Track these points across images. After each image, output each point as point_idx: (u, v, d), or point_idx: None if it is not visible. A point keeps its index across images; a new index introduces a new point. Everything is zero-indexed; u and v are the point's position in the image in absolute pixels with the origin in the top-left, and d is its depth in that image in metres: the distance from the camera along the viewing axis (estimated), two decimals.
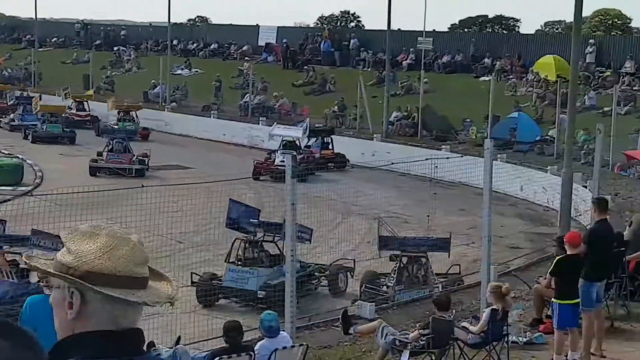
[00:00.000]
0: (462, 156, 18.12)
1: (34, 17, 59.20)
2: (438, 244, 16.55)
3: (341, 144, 33.02)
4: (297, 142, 30.72)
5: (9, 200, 21.93)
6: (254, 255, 16.40)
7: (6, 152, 30.68)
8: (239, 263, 16.22)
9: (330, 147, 32.42)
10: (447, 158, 18.14)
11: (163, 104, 44.98)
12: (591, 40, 40.93)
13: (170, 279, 2.47)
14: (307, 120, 33.76)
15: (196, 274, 16.05)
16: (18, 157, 28.41)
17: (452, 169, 18.35)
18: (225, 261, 16.35)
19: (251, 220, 16.26)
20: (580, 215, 21.28)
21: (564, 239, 11.64)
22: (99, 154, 28.76)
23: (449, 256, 16.62)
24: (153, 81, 48.21)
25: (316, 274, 17.10)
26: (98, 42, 62.52)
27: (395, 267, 16.22)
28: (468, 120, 35.37)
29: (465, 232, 20.97)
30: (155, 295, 2.39)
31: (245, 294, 15.63)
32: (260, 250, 16.44)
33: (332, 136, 32.93)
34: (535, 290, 13.49)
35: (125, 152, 29.06)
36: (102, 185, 24.13)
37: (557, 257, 11.64)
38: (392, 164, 17.67)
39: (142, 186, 10.32)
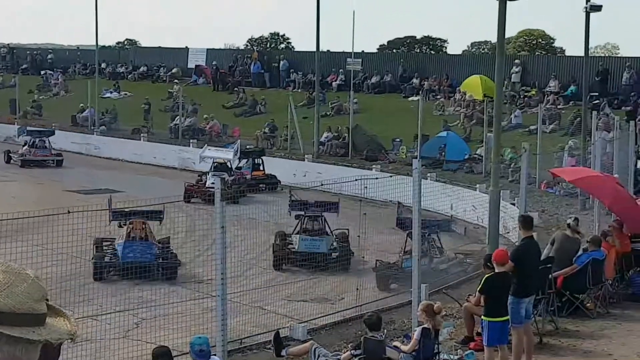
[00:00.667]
0: (391, 176, 18.29)
1: None
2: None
3: (273, 165, 33.04)
4: (228, 164, 30.67)
5: None
6: (313, 227, 21.03)
7: None
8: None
9: (261, 168, 32.44)
10: (377, 178, 18.33)
11: (92, 127, 44.50)
12: (516, 61, 41.83)
13: (67, 314, 2.35)
14: (238, 141, 33.74)
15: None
16: None
17: (382, 188, 18.51)
18: (293, 233, 21.04)
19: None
20: (509, 232, 21.64)
21: (492, 257, 11.84)
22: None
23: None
24: (82, 105, 47.66)
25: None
26: (25, 66, 61.67)
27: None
28: (398, 139, 35.76)
29: (397, 250, 21.12)
30: (56, 332, 2.27)
31: (318, 257, 19.74)
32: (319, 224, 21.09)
33: (263, 157, 32.96)
34: (465, 308, 13.66)
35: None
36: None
37: (486, 275, 11.83)
38: (323, 184, 17.75)
39: (69, 212, 10.18)
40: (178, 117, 42.81)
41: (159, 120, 44.65)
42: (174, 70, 53.67)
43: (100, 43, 49.75)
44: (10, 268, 2.23)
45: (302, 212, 21.79)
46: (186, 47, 56.84)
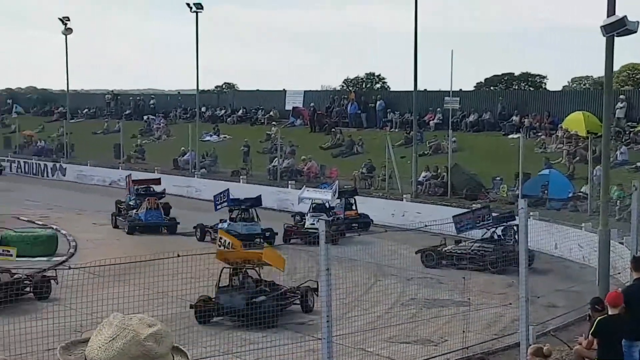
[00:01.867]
0: None
1: (65, 89, 60.05)
2: None
3: (370, 205, 32.96)
4: (327, 205, 30.69)
5: (45, 270, 22.00)
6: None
7: (40, 222, 30.89)
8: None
9: (354, 207, 32.31)
10: None
11: (193, 170, 45.26)
12: (621, 96, 40.79)
13: None
14: (336, 182, 33.77)
15: None
16: (52, 228, 28.58)
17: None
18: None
19: None
20: (619, 273, 20.96)
21: (605, 299, 11.46)
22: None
23: None
24: (182, 148, 48.62)
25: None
26: (128, 111, 63.31)
27: None
28: (498, 178, 35.24)
29: (502, 291, 20.74)
30: None
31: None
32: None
33: (356, 197, 32.86)
34: (576, 352, 13.23)
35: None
36: (138, 248, 24.25)
37: (598, 318, 11.43)
38: (426, 226, 17.58)
39: (178, 255, 10.30)
40: (276, 158, 43.20)
41: (257, 161, 45.14)
42: (271, 113, 54.28)
43: (200, 87, 50.73)
44: (122, 322, 2.25)
45: None
46: (283, 89, 57.47)
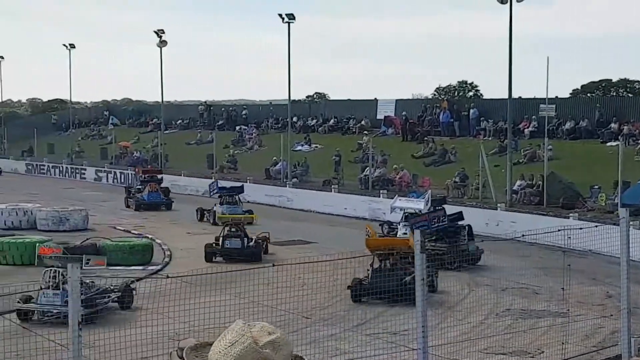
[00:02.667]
0: (596, 226, 17.48)
1: (159, 101, 61.22)
2: None
3: (464, 214, 32.50)
4: (419, 214, 30.37)
5: (141, 279, 22.34)
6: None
7: (136, 232, 31.43)
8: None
9: None
10: (581, 228, 17.55)
11: (284, 180, 45.52)
12: None
13: None
14: (429, 191, 33.45)
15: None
16: (147, 237, 29.03)
17: (583, 238, 17.70)
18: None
19: None
20: None
21: None
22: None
23: None
24: (274, 158, 48.97)
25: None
26: (221, 122, 64.15)
27: None
28: (596, 186, 34.39)
29: (601, 302, 20.18)
30: None
31: None
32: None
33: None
34: None
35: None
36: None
37: None
38: (523, 236, 17.18)
39: (273, 265, 10.29)
40: (368, 167, 43.11)
41: (349, 171, 45.13)
42: (363, 122, 54.25)
43: (292, 97, 51.03)
44: (243, 329, 2.31)
45: None
46: (375, 98, 57.41)
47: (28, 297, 18.08)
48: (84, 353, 9.23)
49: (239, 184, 38.74)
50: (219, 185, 37.55)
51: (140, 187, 41.37)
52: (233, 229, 26.44)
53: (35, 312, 17.87)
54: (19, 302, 17.76)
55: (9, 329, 15.50)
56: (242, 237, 26.14)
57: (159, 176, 42.96)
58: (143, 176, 42.53)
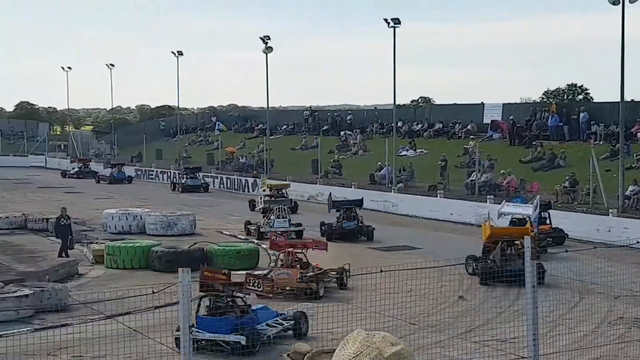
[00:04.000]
0: None
1: (264, 106, 61.84)
2: None
3: (573, 220, 31.84)
4: (527, 220, 29.80)
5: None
6: None
7: (242, 237, 31.73)
8: None
9: (547, 221, 31.21)
10: None
11: (389, 185, 45.33)
12: None
13: None
14: (537, 196, 32.76)
15: None
16: (253, 242, 29.28)
17: None
18: None
19: None
20: None
21: None
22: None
23: None
24: (379, 163, 48.84)
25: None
26: (325, 127, 64.35)
27: None
28: None
29: None
30: None
31: None
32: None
33: (550, 210, 31.73)
34: None
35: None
36: (335, 260, 24.38)
37: None
38: (638, 242, 16.59)
39: (381, 271, 10.17)
40: (474, 172, 42.56)
41: (454, 176, 44.64)
42: (469, 126, 53.61)
43: (397, 102, 50.78)
44: (366, 339, 2.29)
45: None
46: (481, 102, 56.68)
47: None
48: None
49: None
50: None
51: (185, 176, 52.84)
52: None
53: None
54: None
55: (122, 332, 15.79)
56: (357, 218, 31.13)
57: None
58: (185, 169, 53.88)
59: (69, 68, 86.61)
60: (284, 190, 41.13)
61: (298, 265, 21.60)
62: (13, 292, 18.70)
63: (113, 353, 13.85)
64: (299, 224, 32.07)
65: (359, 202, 33.95)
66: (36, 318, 18.12)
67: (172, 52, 68.72)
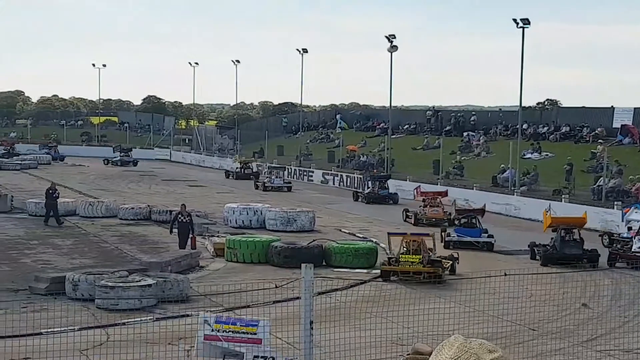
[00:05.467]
0: None
1: (386, 105, 61.65)
2: None
3: None
4: None
5: (365, 282, 22.44)
6: None
7: (361, 235, 31.67)
8: None
9: None
10: None
11: (512, 188, 44.46)
12: None
13: None
14: None
15: None
16: (372, 241, 29.17)
17: None
18: None
19: None
20: None
21: None
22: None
23: None
24: (502, 165, 47.99)
25: None
26: (448, 127, 63.70)
27: None
28: None
29: None
30: None
31: None
32: None
33: None
34: None
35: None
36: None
37: None
38: None
39: (505, 274, 9.90)
40: (601, 178, 41.32)
41: (580, 181, 43.46)
42: (597, 130, 52.11)
43: (522, 104, 49.78)
44: (464, 345, 2.19)
45: None
46: (611, 106, 55.00)
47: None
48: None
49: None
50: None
51: (268, 178, 52.79)
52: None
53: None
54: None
55: None
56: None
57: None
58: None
59: (196, 64, 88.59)
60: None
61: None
62: (137, 281, 19.13)
63: None
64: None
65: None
66: (158, 307, 18.48)
67: (297, 50, 69.25)
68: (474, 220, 30.75)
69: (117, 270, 20.80)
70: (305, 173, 59.94)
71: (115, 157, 70.70)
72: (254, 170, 59.37)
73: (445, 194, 39.06)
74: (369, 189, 45.67)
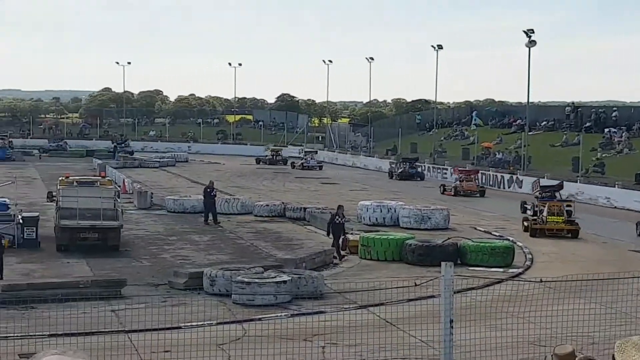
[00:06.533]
0: None
1: (522, 101, 60.41)
2: None
3: None
4: None
5: (501, 281, 21.91)
6: None
7: (497, 234, 31.03)
8: None
9: None
10: None
11: None
12: None
13: None
14: None
15: None
16: (509, 240, 28.52)
17: None
18: None
19: None
20: None
21: None
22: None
23: None
24: None
25: None
26: (588, 124, 61.85)
27: None
28: None
29: None
30: None
31: None
32: None
33: None
34: None
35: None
36: (600, 264, 23.23)
37: None
38: None
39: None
40: None
41: None
42: None
43: None
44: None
45: None
46: None
47: None
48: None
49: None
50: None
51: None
52: None
53: None
54: None
55: (375, 322, 15.79)
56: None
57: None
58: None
59: (330, 61, 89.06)
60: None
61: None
62: (272, 277, 19.25)
63: (367, 342, 13.84)
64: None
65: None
66: (293, 304, 18.54)
67: (432, 46, 68.69)
68: (556, 194, 33.06)
69: (252, 266, 21.00)
70: (438, 170, 59.35)
71: (265, 156, 71.77)
72: (283, 157, 70.74)
73: (476, 172, 50.22)
74: (400, 169, 57.72)
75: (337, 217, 26.39)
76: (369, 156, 72.02)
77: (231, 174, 58.80)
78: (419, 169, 58.88)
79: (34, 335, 14.10)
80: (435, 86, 77.17)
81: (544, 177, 43.38)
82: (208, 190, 33.38)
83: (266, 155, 72.11)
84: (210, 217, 32.91)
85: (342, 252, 25.56)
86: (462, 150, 64.75)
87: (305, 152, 71.75)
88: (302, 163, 66.43)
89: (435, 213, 32.97)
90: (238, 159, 73.81)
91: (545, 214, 31.01)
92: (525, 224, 31.97)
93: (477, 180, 48.43)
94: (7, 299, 17.48)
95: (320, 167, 65.77)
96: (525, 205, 35.29)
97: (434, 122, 75.26)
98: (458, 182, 47.08)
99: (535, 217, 31.58)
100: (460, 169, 51.49)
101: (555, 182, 36.23)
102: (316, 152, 71.27)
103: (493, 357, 13.95)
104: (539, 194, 32.87)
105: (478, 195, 45.54)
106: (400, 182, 54.68)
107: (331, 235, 26.14)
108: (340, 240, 25.80)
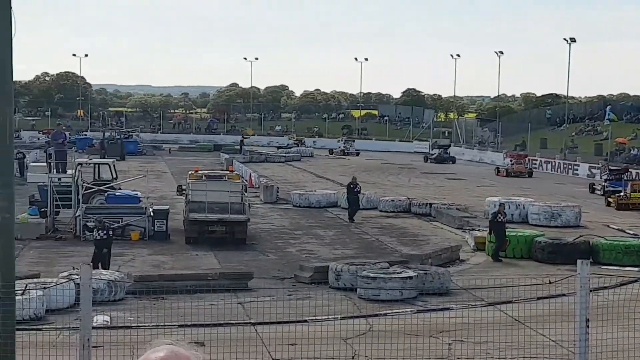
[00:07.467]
0: None
1: None
2: None
3: None
4: None
5: (636, 281, 21.14)
6: None
7: (631, 232, 29.96)
8: None
9: None
10: None
11: None
12: None
13: None
14: None
15: None
16: None
17: None
18: None
19: None
20: None
21: None
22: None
23: None
24: None
25: None
26: None
27: None
28: None
29: None
30: None
31: None
32: None
33: None
34: None
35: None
36: None
37: None
38: None
39: None
40: None
41: None
42: None
43: None
44: None
45: None
46: None
47: None
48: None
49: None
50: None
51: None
52: None
53: None
54: None
55: (503, 320, 15.44)
56: None
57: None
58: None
59: (458, 56, 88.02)
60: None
61: None
62: (398, 273, 19.09)
63: (494, 340, 13.54)
64: None
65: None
66: (419, 300, 18.34)
67: (565, 39, 66.95)
68: (622, 176, 40.61)
69: (378, 261, 20.90)
70: (570, 167, 57.78)
71: (432, 154, 69.56)
72: (307, 146, 75.95)
73: (525, 156, 57.85)
74: (435, 154, 66.65)
75: (499, 215, 25.49)
76: (497, 151, 70.71)
77: (356, 169, 58.82)
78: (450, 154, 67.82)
79: (164, 326, 14.37)
80: (567, 80, 75.30)
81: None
82: (351, 186, 33.03)
83: (289, 144, 77.05)
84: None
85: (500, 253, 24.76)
86: (595, 146, 62.88)
87: (345, 140, 77.15)
88: (342, 149, 73.34)
89: (566, 210, 32.08)
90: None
91: (629, 190, 37.10)
92: (610, 199, 37.65)
93: (525, 164, 55.71)
94: (139, 289, 17.91)
95: (357, 154, 71.75)
96: (594, 187, 42.82)
97: (565, 116, 73.37)
98: (509, 165, 55.07)
99: (620, 194, 37.35)
100: (511, 153, 59.85)
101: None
102: (353, 141, 78.05)
103: (627, 358, 13.41)
104: (607, 176, 41.21)
105: (527, 176, 52.79)
106: (438, 165, 63.09)
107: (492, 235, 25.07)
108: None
